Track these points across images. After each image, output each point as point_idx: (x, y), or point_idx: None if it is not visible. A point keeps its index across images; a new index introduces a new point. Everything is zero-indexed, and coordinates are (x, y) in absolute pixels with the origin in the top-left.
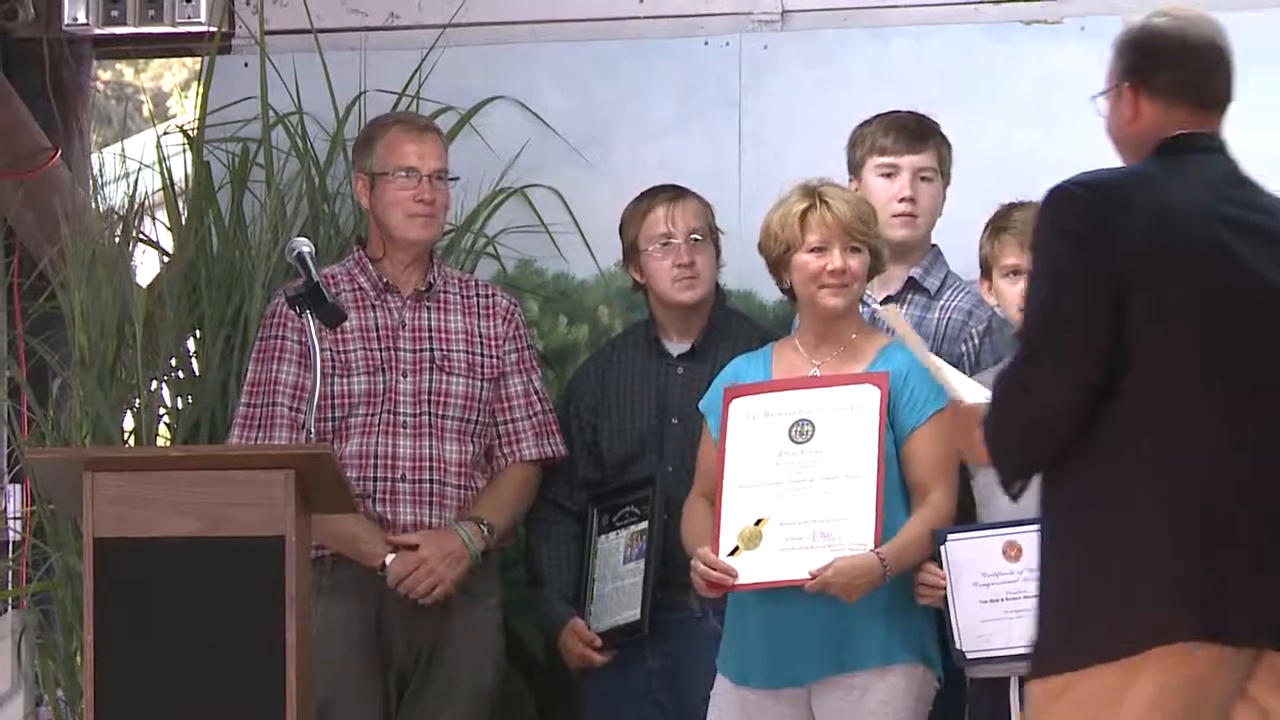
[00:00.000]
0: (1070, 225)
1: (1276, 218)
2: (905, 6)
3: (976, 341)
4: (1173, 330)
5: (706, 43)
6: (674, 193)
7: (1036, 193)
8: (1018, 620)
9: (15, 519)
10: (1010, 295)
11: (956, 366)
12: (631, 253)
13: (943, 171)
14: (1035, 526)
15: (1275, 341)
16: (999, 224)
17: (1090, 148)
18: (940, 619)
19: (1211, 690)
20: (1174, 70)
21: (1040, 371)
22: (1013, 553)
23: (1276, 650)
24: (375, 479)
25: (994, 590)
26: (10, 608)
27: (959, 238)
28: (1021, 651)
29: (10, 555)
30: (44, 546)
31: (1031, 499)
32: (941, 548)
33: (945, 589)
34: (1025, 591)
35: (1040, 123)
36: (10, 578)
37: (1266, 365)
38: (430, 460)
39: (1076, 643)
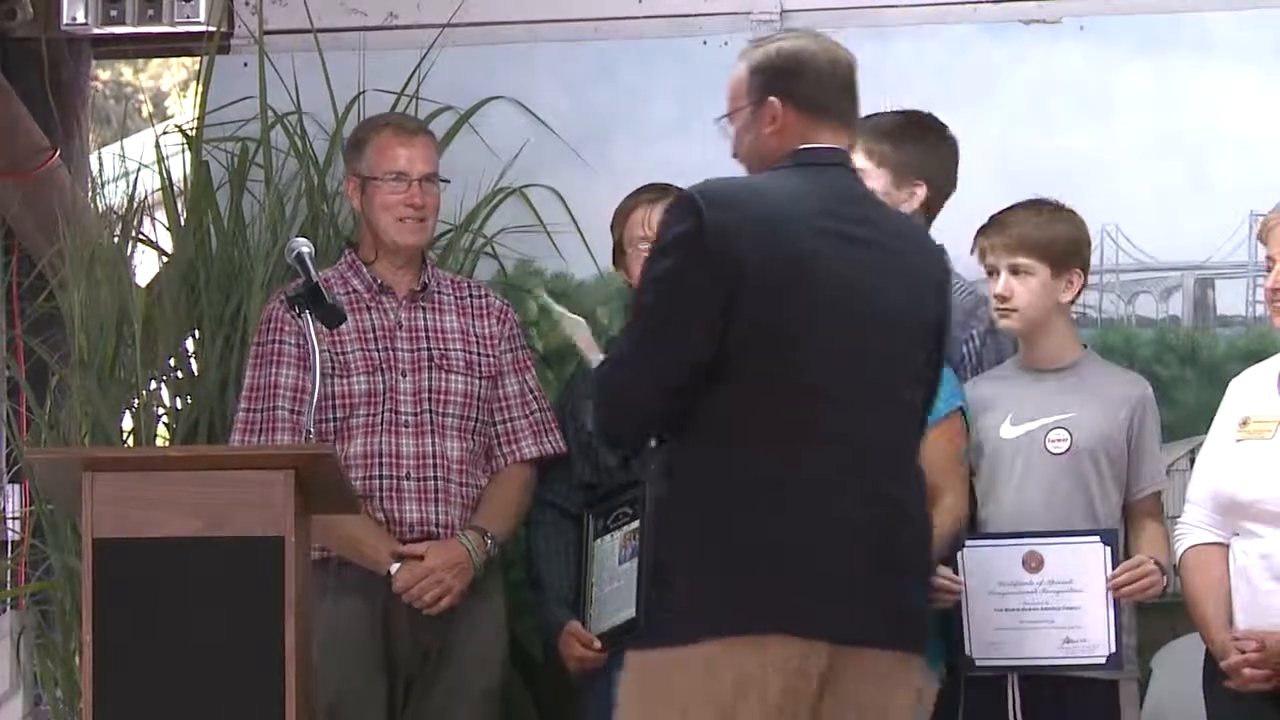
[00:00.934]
0: (687, 231)
1: (882, 230)
2: (904, 6)
3: (978, 342)
4: (779, 332)
5: (705, 42)
6: (656, 194)
7: (1036, 192)
8: (1031, 631)
9: (14, 519)
10: (999, 288)
11: (957, 367)
12: (618, 253)
13: (918, 172)
14: (1058, 538)
15: (869, 343)
16: (984, 224)
17: (1088, 148)
18: (942, 618)
19: (809, 681)
20: (815, 88)
21: (626, 370)
22: (1034, 563)
23: (869, 648)
24: (380, 478)
25: (1010, 600)
26: (9, 608)
27: (953, 238)
28: (1035, 663)
29: (9, 555)
30: (43, 546)
31: (1057, 509)
32: (958, 554)
33: (959, 594)
34: (1043, 603)
35: (1039, 122)
36: (9, 577)
37: (860, 365)
38: (433, 458)
39: (708, 614)
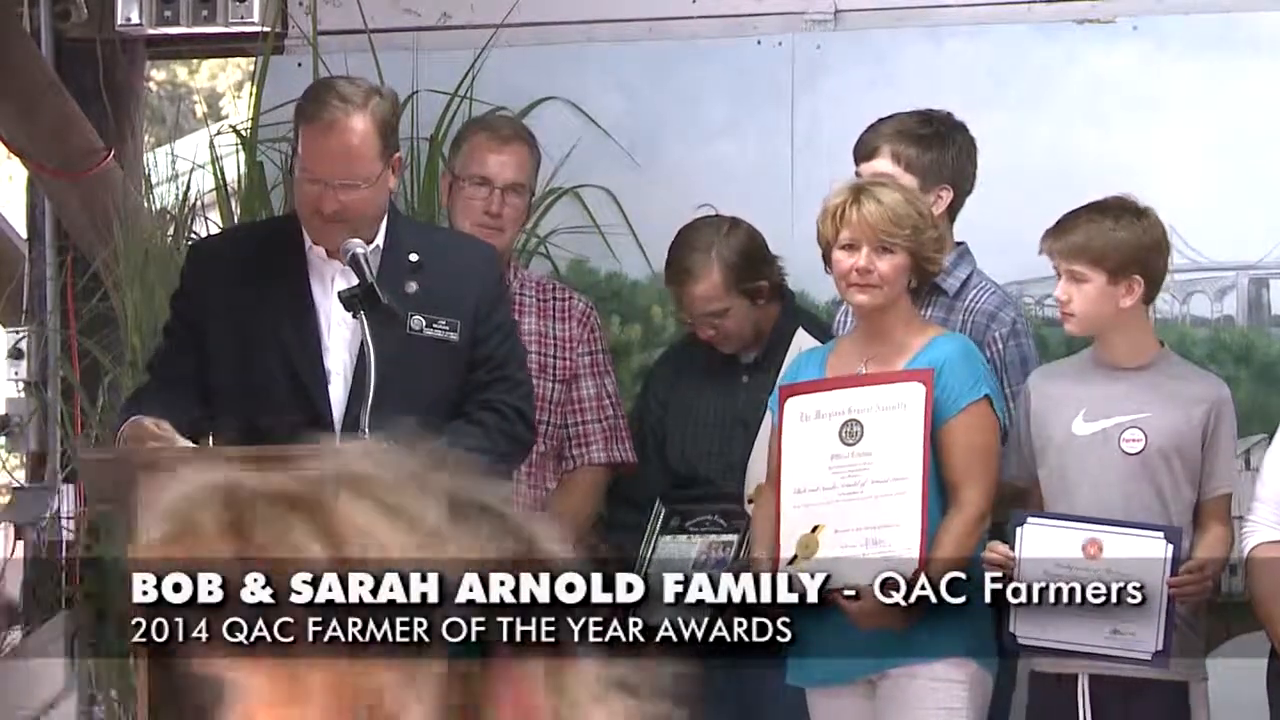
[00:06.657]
0: None
1: None
2: (958, 6)
3: (1001, 345)
4: None
5: (759, 42)
6: (683, 272)
7: (1089, 194)
8: (1079, 617)
9: (69, 519)
10: (1058, 293)
11: None
12: None
13: (945, 177)
14: (1120, 527)
15: None
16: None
17: (1141, 148)
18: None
19: None
20: None
21: None
22: (1093, 550)
23: None
24: None
25: (1062, 582)
26: (63, 608)
27: (1007, 239)
28: (1078, 648)
29: (64, 555)
30: (97, 546)
31: (1129, 509)
32: (1018, 529)
33: (1010, 569)
34: (1096, 591)
35: (1093, 123)
36: (63, 578)
37: None
38: None
39: None
